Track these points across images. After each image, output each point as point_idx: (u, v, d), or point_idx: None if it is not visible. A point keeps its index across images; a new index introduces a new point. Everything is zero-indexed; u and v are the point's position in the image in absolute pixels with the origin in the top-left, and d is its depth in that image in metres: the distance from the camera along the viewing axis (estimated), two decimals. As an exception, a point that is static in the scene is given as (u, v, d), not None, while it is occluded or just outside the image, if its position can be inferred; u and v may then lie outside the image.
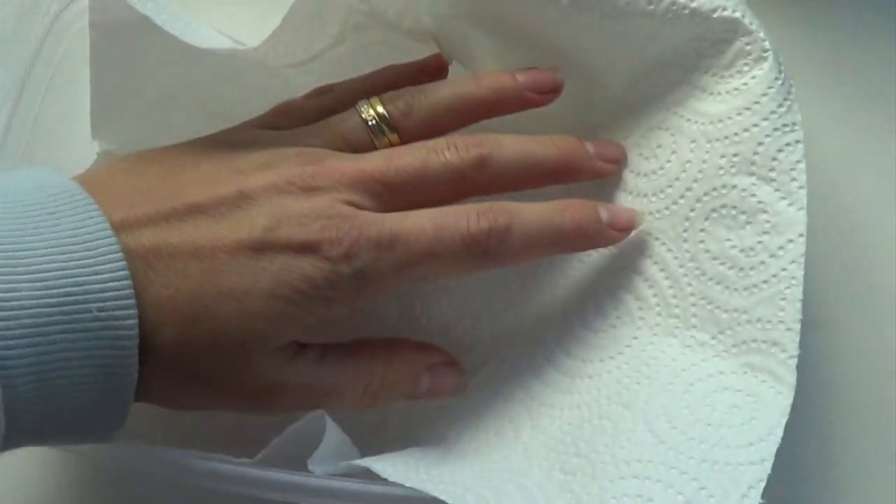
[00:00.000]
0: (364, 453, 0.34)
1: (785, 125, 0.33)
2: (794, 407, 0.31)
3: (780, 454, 0.30)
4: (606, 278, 0.37)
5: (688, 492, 0.30)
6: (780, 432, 0.30)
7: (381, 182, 0.33)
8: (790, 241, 0.33)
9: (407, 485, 0.30)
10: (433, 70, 0.38)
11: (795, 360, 0.32)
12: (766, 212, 0.33)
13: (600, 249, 0.37)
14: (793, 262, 0.32)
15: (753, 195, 0.33)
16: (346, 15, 0.37)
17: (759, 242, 0.33)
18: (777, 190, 0.33)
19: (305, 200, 0.32)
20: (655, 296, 0.35)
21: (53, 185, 0.30)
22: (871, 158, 0.42)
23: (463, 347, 0.38)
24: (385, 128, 0.35)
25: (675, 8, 0.33)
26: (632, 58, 0.35)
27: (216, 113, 0.39)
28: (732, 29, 0.33)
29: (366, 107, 0.35)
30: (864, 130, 0.42)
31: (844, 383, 0.39)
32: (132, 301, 0.29)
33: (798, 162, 0.32)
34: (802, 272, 0.32)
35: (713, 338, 0.34)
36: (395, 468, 0.31)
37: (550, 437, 0.34)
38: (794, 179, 0.32)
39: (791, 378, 0.32)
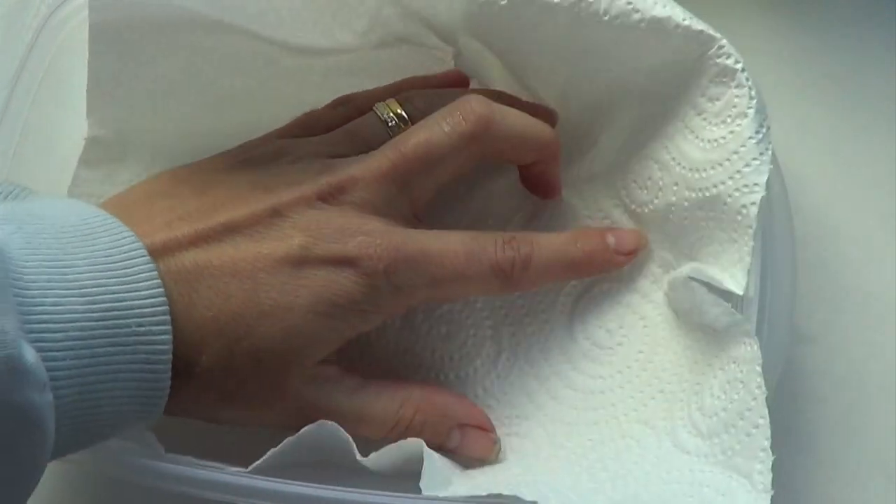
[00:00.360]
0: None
1: (746, 185, 0.33)
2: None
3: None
4: (610, 298, 0.38)
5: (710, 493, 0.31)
6: (762, 383, 0.31)
7: (399, 172, 0.34)
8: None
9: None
10: (454, 83, 0.38)
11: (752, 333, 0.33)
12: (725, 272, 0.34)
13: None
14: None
15: (723, 250, 0.34)
16: (377, 9, 0.37)
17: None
18: (737, 251, 0.33)
19: (338, 215, 0.33)
20: (660, 315, 0.37)
21: (85, 211, 0.31)
22: (866, 171, 0.42)
23: (465, 357, 0.38)
24: (403, 127, 0.35)
25: (686, 45, 0.34)
26: (638, 81, 0.36)
27: (218, 102, 0.39)
28: (730, 77, 0.34)
29: (383, 108, 0.35)
30: (859, 143, 0.42)
31: (835, 396, 0.39)
32: (167, 318, 0.30)
33: (749, 227, 0.33)
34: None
35: (709, 334, 0.34)
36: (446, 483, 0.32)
37: (571, 452, 0.35)
38: (746, 245, 0.33)
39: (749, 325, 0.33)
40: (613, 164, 0.38)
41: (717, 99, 0.34)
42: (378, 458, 0.32)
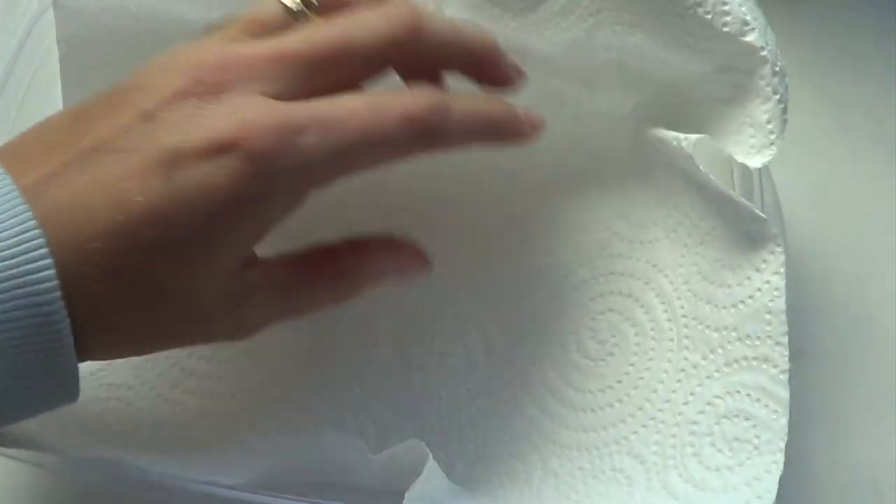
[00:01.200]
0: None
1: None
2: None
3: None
4: (602, 305, 0.37)
5: None
6: (780, 459, 0.31)
7: (301, 60, 0.29)
8: (771, 252, 0.33)
9: None
10: None
11: (787, 374, 0.32)
12: (748, 230, 0.33)
13: (595, 278, 0.37)
14: (775, 273, 0.33)
15: (739, 211, 0.33)
16: None
17: (747, 259, 0.33)
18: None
19: (216, 102, 0.28)
20: (651, 321, 0.36)
21: None
22: (863, 187, 0.42)
23: (460, 377, 0.37)
24: (305, 9, 0.31)
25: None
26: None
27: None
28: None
29: None
30: (855, 158, 0.42)
31: (827, 411, 0.39)
32: (44, 251, 0.27)
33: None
34: (784, 283, 0.33)
35: (704, 358, 0.34)
36: None
37: (562, 481, 0.35)
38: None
39: (784, 393, 0.32)
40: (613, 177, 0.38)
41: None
42: (384, 467, 0.32)
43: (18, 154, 0.29)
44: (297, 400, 0.36)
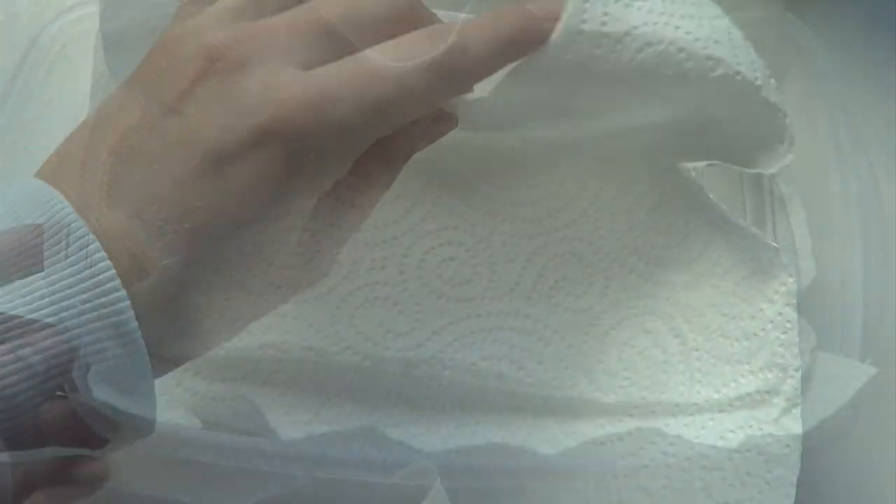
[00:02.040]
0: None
1: None
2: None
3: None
4: (617, 339, 0.37)
5: None
6: (792, 494, 0.31)
7: (321, 26, 0.28)
8: (783, 283, 0.33)
9: None
10: None
11: (799, 408, 0.32)
12: (760, 260, 0.33)
13: (607, 311, 0.37)
14: (787, 304, 0.33)
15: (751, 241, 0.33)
16: None
17: (759, 290, 0.33)
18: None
19: (243, 77, 0.27)
20: (664, 354, 0.36)
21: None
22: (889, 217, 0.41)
23: (468, 404, 0.37)
24: None
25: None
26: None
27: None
28: None
29: None
30: (865, 187, 0.41)
31: (842, 444, 0.37)
32: (116, 284, 0.26)
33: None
34: (796, 314, 0.33)
35: (717, 392, 0.34)
36: None
37: None
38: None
39: (797, 428, 0.32)
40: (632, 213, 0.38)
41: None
42: (389, 491, 0.32)
43: (58, 177, 0.28)
44: (301, 422, 0.36)
